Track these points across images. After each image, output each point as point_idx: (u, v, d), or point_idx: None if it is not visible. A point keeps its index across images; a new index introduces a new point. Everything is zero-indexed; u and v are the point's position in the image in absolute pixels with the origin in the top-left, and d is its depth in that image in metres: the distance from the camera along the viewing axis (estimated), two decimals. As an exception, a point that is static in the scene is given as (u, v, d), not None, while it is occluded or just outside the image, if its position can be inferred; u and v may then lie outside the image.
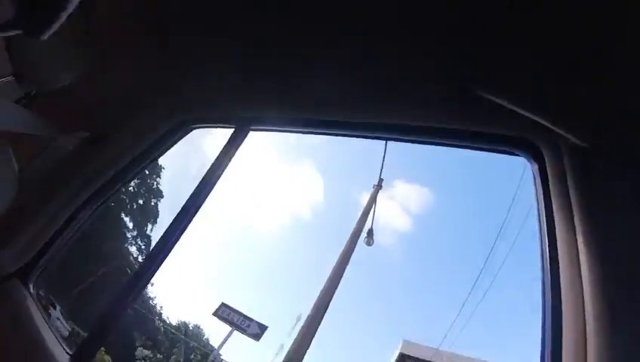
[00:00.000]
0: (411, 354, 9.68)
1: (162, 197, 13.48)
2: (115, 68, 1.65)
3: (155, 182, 13.38)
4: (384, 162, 8.97)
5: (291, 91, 1.46)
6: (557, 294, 0.93)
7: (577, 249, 0.91)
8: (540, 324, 0.97)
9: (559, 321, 0.90)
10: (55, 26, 0.75)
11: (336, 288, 7.85)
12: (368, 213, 8.92)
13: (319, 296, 7.68)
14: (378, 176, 9.02)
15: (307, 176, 18.04)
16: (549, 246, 1.02)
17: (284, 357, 7.15)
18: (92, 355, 1.42)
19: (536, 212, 1.12)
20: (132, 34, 1.58)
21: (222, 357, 9.08)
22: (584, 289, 0.87)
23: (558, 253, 0.98)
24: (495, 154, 1.32)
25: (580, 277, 0.88)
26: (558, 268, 0.96)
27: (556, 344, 0.90)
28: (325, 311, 7.61)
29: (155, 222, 13.15)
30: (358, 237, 8.49)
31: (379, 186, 9.12)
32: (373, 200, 9.04)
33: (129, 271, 11.18)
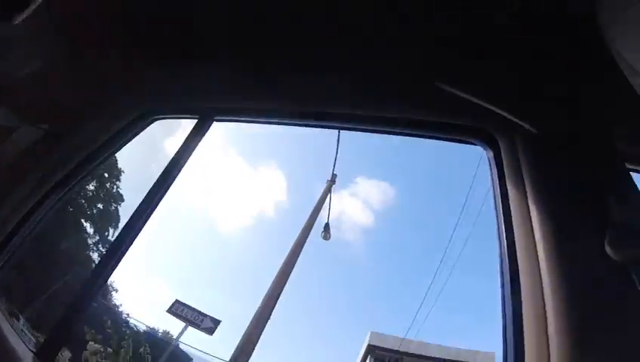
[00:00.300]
0: (379, 345, 9.96)
1: (123, 201, 12.91)
2: (79, 58, 1.60)
3: (115, 186, 12.71)
4: (341, 157, 9.19)
5: (255, 81, 1.46)
6: (515, 272, 0.98)
7: (532, 228, 0.98)
8: (500, 304, 1.03)
9: (519, 298, 0.96)
10: (27, 12, 0.72)
11: (287, 279, 7.95)
12: (321, 206, 9.08)
13: (270, 288, 7.81)
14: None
15: (270, 174, 17.93)
16: (505, 229, 1.07)
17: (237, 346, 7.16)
18: (56, 352, 1.36)
19: (492, 198, 1.19)
20: (96, 26, 1.55)
21: (181, 347, 9.04)
22: (540, 266, 0.93)
23: (514, 234, 1.04)
24: (453, 143, 1.39)
25: (537, 255, 0.94)
26: (515, 249, 1.02)
27: (517, 322, 0.95)
28: (276, 302, 7.73)
29: (116, 226, 12.63)
30: (310, 230, 8.64)
31: (332, 181, 9.34)
32: (326, 194, 9.22)
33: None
